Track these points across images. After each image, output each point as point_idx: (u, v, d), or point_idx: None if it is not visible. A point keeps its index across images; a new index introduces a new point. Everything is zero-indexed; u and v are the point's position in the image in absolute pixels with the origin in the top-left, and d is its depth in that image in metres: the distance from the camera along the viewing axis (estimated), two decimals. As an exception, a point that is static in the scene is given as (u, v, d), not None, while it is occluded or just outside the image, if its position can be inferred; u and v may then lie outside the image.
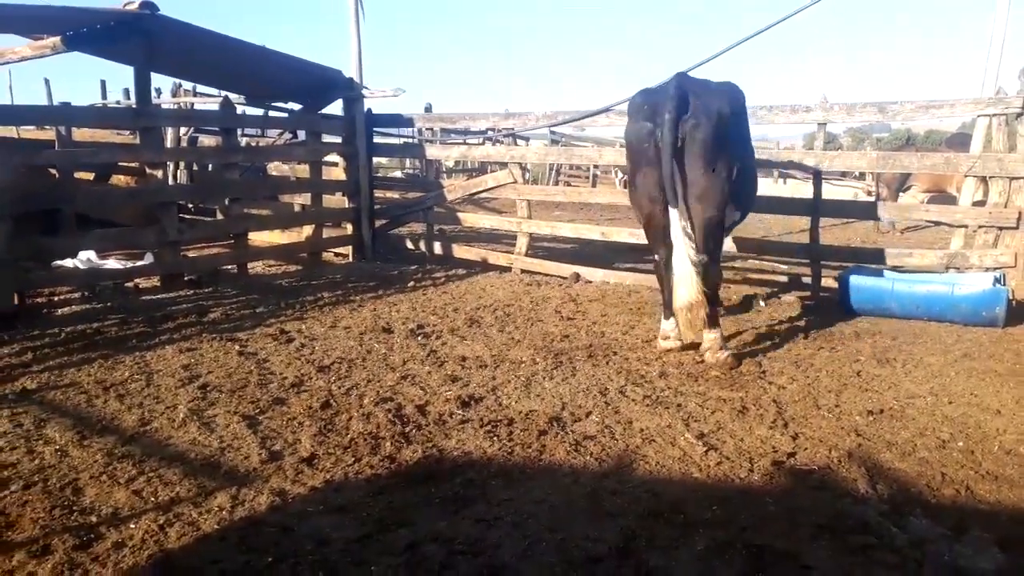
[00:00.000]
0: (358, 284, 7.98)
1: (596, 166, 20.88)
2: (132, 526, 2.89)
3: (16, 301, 6.36)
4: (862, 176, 18.14)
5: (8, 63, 8.18)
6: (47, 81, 15.81)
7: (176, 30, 7.26)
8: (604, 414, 4.16)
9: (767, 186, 21.23)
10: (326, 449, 3.67)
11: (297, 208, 9.84)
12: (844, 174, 18.20)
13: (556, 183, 20.90)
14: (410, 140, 11.51)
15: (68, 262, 8.00)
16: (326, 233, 9.57)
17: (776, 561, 2.73)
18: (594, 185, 21.13)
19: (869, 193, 15.59)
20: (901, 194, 13.63)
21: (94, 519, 2.94)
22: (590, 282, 8.06)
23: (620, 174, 20.73)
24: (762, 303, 7.00)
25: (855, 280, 6.54)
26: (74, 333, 5.70)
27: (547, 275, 8.41)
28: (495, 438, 3.80)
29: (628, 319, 6.39)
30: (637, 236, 8.53)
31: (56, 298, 7.04)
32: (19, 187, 6.36)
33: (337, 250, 9.78)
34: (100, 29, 7.19)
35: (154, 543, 2.77)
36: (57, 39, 7.33)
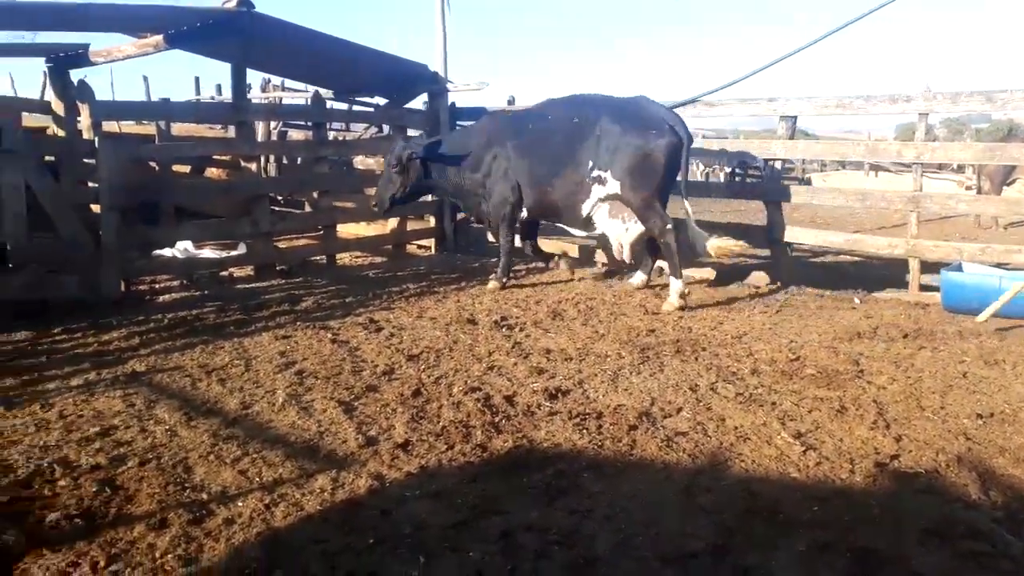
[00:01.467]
0: (441, 276, 8.09)
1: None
2: (240, 504, 3.02)
3: (123, 288, 6.70)
4: (960, 169, 17.31)
5: (114, 61, 8.61)
6: (146, 78, 16.54)
7: (271, 27, 7.49)
8: (695, 410, 4.10)
9: (858, 179, 20.50)
10: (419, 436, 3.74)
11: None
12: (941, 167, 17.41)
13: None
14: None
15: (167, 251, 8.38)
16: (409, 226, 9.72)
17: (882, 565, 2.64)
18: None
19: (968, 188, 14.86)
20: (1005, 187, 12.95)
21: (205, 496, 3.08)
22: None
23: (701, 165, 20.38)
24: (857, 300, 6.76)
25: (958, 277, 6.25)
26: (176, 319, 5.97)
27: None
28: (584, 431, 3.79)
29: (715, 314, 6.28)
30: (724, 229, 8.40)
31: (157, 285, 7.38)
32: (126, 180, 6.70)
33: (420, 242, 9.93)
34: (200, 27, 7.47)
35: (261, 521, 2.89)
36: (160, 38, 7.66)
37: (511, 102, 11.80)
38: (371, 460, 3.45)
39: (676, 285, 6.54)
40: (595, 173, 6.76)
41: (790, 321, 6.07)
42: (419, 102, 9.73)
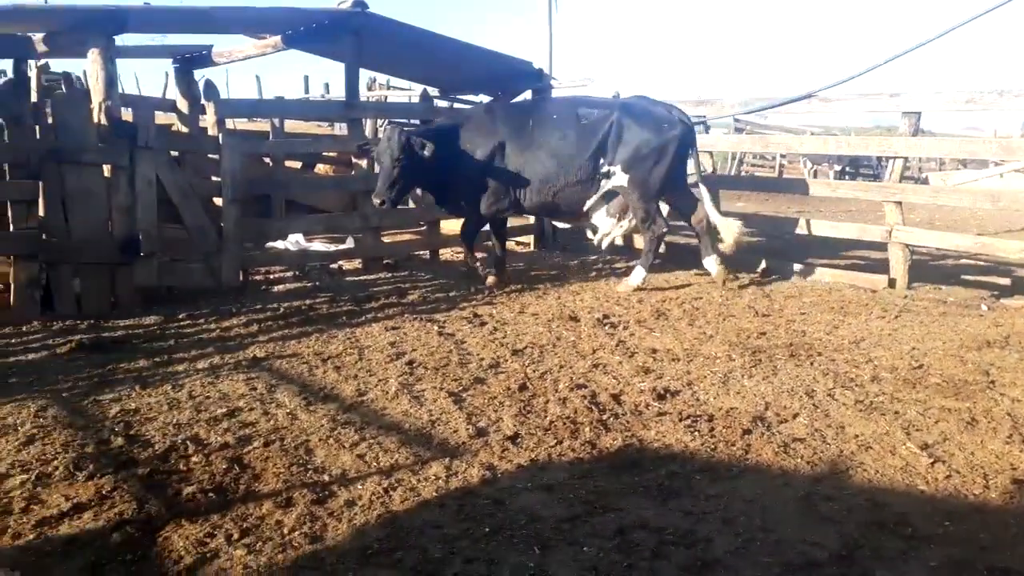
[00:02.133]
0: (541, 272, 8.11)
1: (783, 155, 19.92)
2: (359, 487, 3.12)
3: (241, 277, 7.03)
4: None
5: (234, 61, 9.05)
6: (258, 77, 17.29)
7: (383, 27, 7.70)
8: (812, 417, 3.96)
9: (984, 179, 19.30)
10: (527, 429, 3.76)
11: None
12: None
13: (739, 172, 20.17)
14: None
15: (279, 244, 8.73)
16: (510, 223, 9.76)
17: (1026, 588, 2.48)
18: (780, 175, 20.19)
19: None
20: None
21: (326, 478, 3.20)
22: (784, 278, 7.69)
23: (810, 164, 19.69)
24: (984, 307, 6.37)
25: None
26: (291, 308, 6.21)
27: (737, 268, 8.11)
28: (696, 433, 3.73)
29: (830, 318, 6.05)
30: (839, 230, 8.08)
31: (271, 276, 7.71)
32: (245, 174, 7.02)
33: (519, 239, 9.98)
34: (316, 27, 7.75)
35: (380, 504, 2.97)
36: (278, 38, 8.01)
37: (616, 97, 11.70)
38: (482, 451, 3.50)
39: (641, 273, 7.15)
40: (604, 168, 7.03)
41: (911, 327, 5.78)
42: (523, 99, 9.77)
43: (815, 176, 19.75)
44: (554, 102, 7.63)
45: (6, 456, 3.29)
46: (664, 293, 7.02)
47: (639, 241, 9.21)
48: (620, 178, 7.01)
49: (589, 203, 7.26)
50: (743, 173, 21.28)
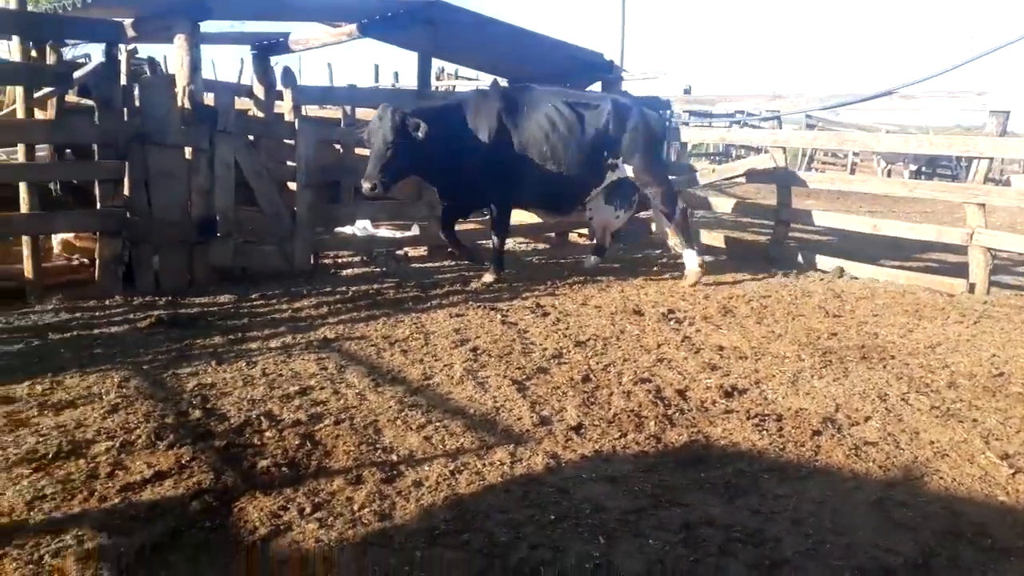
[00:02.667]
0: (603, 265, 8.05)
1: (856, 153, 19.34)
2: (426, 468, 3.17)
3: (311, 260, 7.20)
4: None
5: (310, 48, 9.23)
6: (330, 65, 17.58)
7: (457, 16, 7.75)
8: (885, 421, 3.85)
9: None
10: (591, 420, 3.76)
11: (549, 188, 10.10)
12: None
13: (809, 169, 19.68)
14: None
15: (347, 229, 8.89)
16: (573, 215, 9.73)
17: (1115, 608, 2.38)
18: (852, 172, 19.62)
19: None
20: None
21: (394, 458, 3.26)
22: (856, 278, 7.49)
23: (884, 162, 19.09)
24: (1071, 315, 6.09)
25: None
26: (359, 292, 6.33)
27: (807, 267, 7.93)
28: (764, 432, 3.67)
29: (904, 321, 5.86)
30: (915, 231, 7.82)
31: (340, 260, 7.87)
32: (319, 160, 7.17)
33: (582, 231, 9.94)
34: (391, 17, 7.84)
35: (447, 486, 3.02)
36: (353, 27, 8.13)
37: (687, 91, 11.55)
38: (546, 439, 3.52)
39: (694, 257, 7.17)
40: (610, 161, 7.04)
41: (991, 333, 5.56)
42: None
43: (888, 175, 19.12)
44: (550, 91, 7.43)
45: (92, 423, 3.45)
46: (731, 290, 6.91)
47: (710, 239, 9.10)
48: (627, 169, 7.03)
49: (593, 194, 7.22)
50: (813, 170, 20.74)
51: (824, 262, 7.89)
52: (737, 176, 9.40)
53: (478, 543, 2.61)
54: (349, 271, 7.38)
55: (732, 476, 3.21)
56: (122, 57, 6.75)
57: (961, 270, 7.21)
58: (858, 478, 3.24)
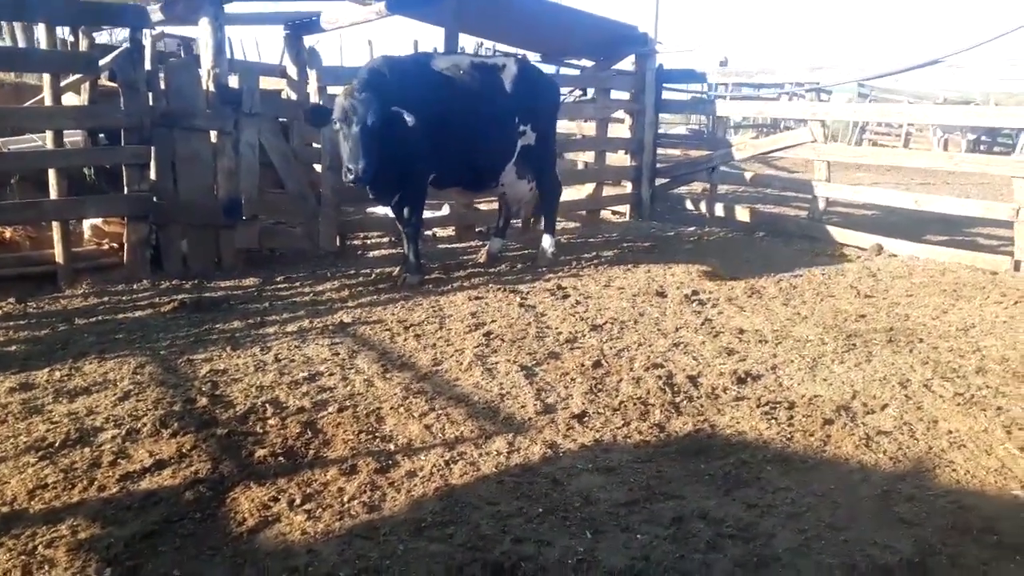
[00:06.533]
0: (633, 244, 7.95)
1: (911, 124, 18.62)
2: (422, 458, 3.17)
3: (338, 242, 7.25)
4: None
5: (341, 27, 9.21)
6: (370, 42, 17.54)
7: (482, -8, 7.64)
8: (903, 409, 3.72)
9: None
10: (596, 408, 3.71)
11: (580, 166, 9.99)
12: None
13: (860, 141, 19.03)
14: (699, 95, 11.11)
15: (379, 210, 8.92)
16: (605, 191, 9.62)
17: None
18: (906, 145, 18.91)
19: None
20: None
21: (392, 447, 3.27)
22: (895, 255, 7.23)
23: (940, 132, 18.34)
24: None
25: None
26: (382, 274, 6.35)
27: (845, 244, 7.69)
28: (773, 420, 3.57)
29: (940, 301, 5.64)
30: (961, 206, 7.51)
31: (368, 241, 7.91)
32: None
33: (615, 208, 9.81)
34: (419, -7, 7.77)
35: (440, 477, 3.01)
36: (382, 4, 8.04)
37: (724, 63, 11.24)
38: (547, 428, 3.49)
39: (551, 242, 7.06)
40: (521, 128, 6.69)
41: (1031, 315, 5.32)
42: (627, 64, 9.53)
43: (945, 146, 18.37)
44: (457, 56, 7.04)
45: (103, 411, 3.54)
46: (761, 269, 6.73)
47: (747, 215, 8.87)
48: (530, 136, 6.72)
49: (507, 168, 6.72)
50: (865, 141, 20.06)
51: (862, 239, 7.64)
52: (775, 150, 9.13)
53: (462, 536, 2.60)
54: (376, 252, 7.42)
55: (733, 467, 3.13)
56: (147, 41, 6.83)
57: (1008, 247, 6.90)
58: (865, 470, 3.13)
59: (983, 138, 19.54)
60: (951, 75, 7.59)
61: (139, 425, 3.39)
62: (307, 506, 2.77)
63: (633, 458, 3.21)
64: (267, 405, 3.66)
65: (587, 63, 9.94)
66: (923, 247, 7.26)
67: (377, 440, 3.33)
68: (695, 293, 5.89)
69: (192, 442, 3.25)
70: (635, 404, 3.75)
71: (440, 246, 7.76)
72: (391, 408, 3.66)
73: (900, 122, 18.39)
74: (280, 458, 3.13)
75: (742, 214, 8.92)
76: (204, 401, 3.67)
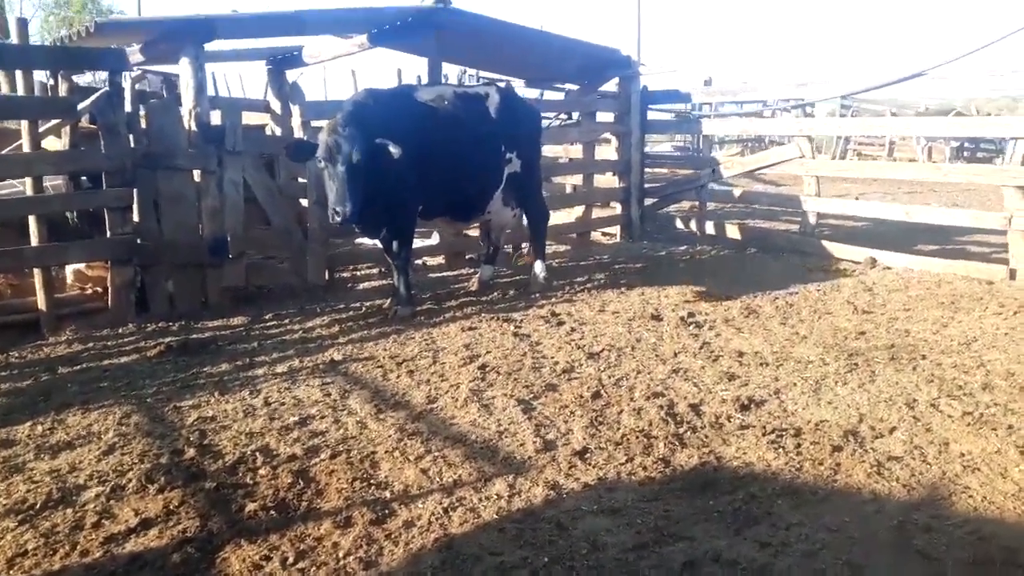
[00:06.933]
0: (625, 265, 7.88)
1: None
2: (420, 505, 3.05)
3: (327, 275, 7.14)
4: None
5: (323, 61, 9.19)
6: (353, 72, 17.53)
7: (465, 20, 7.62)
8: (912, 431, 3.63)
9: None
10: (598, 443, 3.60)
11: (568, 189, 9.95)
12: None
13: (845, 152, 19.12)
14: (685, 114, 11.12)
15: (367, 241, 8.83)
16: (594, 213, 9.57)
17: None
18: (890, 154, 19.02)
19: None
20: None
21: (388, 495, 3.15)
22: (889, 268, 7.18)
23: (923, 140, 18.45)
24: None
25: None
26: (372, 308, 6.24)
27: (837, 258, 7.64)
28: (780, 450, 3.47)
29: (939, 314, 5.58)
30: (951, 216, 7.48)
31: (358, 273, 7.80)
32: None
33: (605, 230, 9.76)
34: (400, 25, 7.74)
35: (439, 526, 2.89)
36: (364, 38, 8.05)
37: (708, 83, 11.27)
38: (548, 467, 3.37)
39: (543, 268, 7.01)
40: (507, 155, 6.66)
41: (1032, 325, 5.26)
42: (612, 86, 9.52)
43: (929, 154, 18.46)
44: (440, 87, 6.97)
45: (87, 466, 3.40)
46: (756, 286, 6.66)
47: (738, 232, 8.82)
48: (516, 163, 6.70)
49: (495, 196, 6.66)
50: (850, 151, 20.16)
51: (855, 252, 7.60)
52: (763, 167, 9.12)
53: (465, 592, 2.48)
54: (366, 284, 7.32)
55: (742, 503, 3.02)
56: (126, 83, 6.75)
57: (1002, 255, 6.87)
58: (879, 500, 3.03)
59: (966, 145, 19.66)
60: (933, 85, 7.58)
61: (124, 481, 3.26)
62: (301, 564, 2.64)
63: (639, 496, 3.10)
64: (257, 454, 3.53)
65: (572, 87, 9.94)
66: (917, 259, 7.21)
67: (372, 488, 3.21)
68: (691, 315, 5.81)
69: (180, 497, 3.11)
70: (637, 437, 3.64)
71: (431, 275, 7.67)
72: (386, 452, 3.54)
73: (885, 135, 18.50)
74: (272, 512, 3.00)
75: (733, 231, 8.88)
76: (192, 452, 3.54)
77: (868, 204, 8.36)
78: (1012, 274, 6.54)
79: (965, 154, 19.69)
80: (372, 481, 3.26)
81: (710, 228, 9.12)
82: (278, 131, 8.33)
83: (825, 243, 7.96)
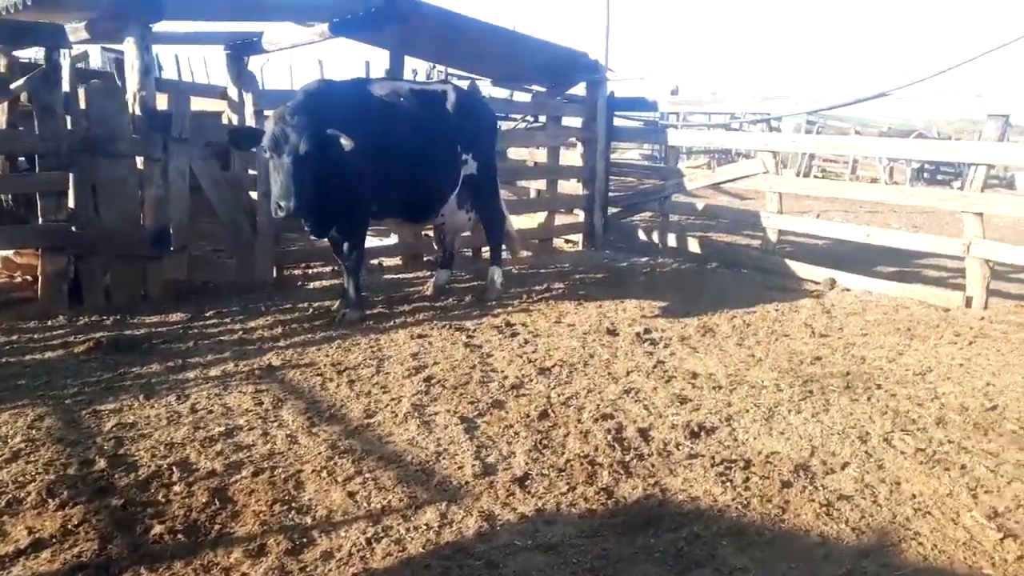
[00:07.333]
0: (586, 275, 7.73)
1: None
2: (342, 534, 2.84)
3: (275, 273, 6.87)
4: None
5: (282, 49, 8.88)
6: (320, 62, 17.15)
7: (430, 14, 7.39)
8: (864, 468, 3.51)
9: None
10: (539, 469, 3.43)
11: (532, 194, 9.78)
12: None
13: (810, 168, 19.25)
14: (651, 123, 11.02)
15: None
16: (557, 220, 9.41)
17: None
18: (854, 171, 19.22)
19: None
20: None
21: (309, 520, 2.93)
22: (848, 290, 7.12)
23: (886, 160, 18.65)
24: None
25: None
26: (319, 309, 5.99)
27: (797, 277, 7.57)
28: (728, 484, 3.33)
29: (895, 341, 5.51)
30: (911, 241, 7.46)
31: (309, 271, 7.53)
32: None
33: (568, 237, 9.60)
34: (362, 15, 7.48)
35: (359, 559, 2.69)
36: (325, 26, 7.77)
37: (675, 92, 11.17)
38: (485, 494, 3.18)
39: (500, 274, 6.84)
40: (463, 157, 6.42)
41: (987, 356, 5.21)
42: (579, 90, 9.36)
43: (891, 174, 18.68)
44: (397, 82, 6.82)
45: (-17, 476, 3.13)
46: (715, 304, 6.54)
47: (699, 247, 8.72)
48: (472, 165, 6.46)
49: (451, 197, 6.42)
50: (814, 167, 20.32)
51: (815, 272, 7.53)
52: (728, 180, 9.04)
53: (380, 638, 2.29)
54: (317, 283, 7.06)
55: (686, 542, 2.87)
56: (65, 61, 6.40)
57: (959, 280, 6.85)
58: (827, 544, 2.90)
59: (927, 166, 19.96)
60: (896, 105, 7.58)
61: (23, 494, 3.00)
62: (203, 601, 2.42)
63: (577, 531, 2.92)
64: (174, 467, 3.29)
65: (539, 89, 9.76)
66: (876, 282, 7.16)
67: (293, 512, 2.99)
68: (647, 331, 5.66)
69: (81, 515, 2.86)
70: (582, 464, 3.47)
71: (385, 276, 7.44)
72: (313, 471, 3.32)
73: (849, 154, 18.66)
74: (180, 536, 2.77)
75: (694, 245, 8.77)
76: (103, 463, 3.29)
77: (830, 224, 8.33)
78: (968, 302, 6.52)
79: (925, 175, 19.99)
80: (294, 504, 3.04)
81: (672, 240, 9.00)
82: (235, 119, 8.04)
83: (787, 261, 7.89)
